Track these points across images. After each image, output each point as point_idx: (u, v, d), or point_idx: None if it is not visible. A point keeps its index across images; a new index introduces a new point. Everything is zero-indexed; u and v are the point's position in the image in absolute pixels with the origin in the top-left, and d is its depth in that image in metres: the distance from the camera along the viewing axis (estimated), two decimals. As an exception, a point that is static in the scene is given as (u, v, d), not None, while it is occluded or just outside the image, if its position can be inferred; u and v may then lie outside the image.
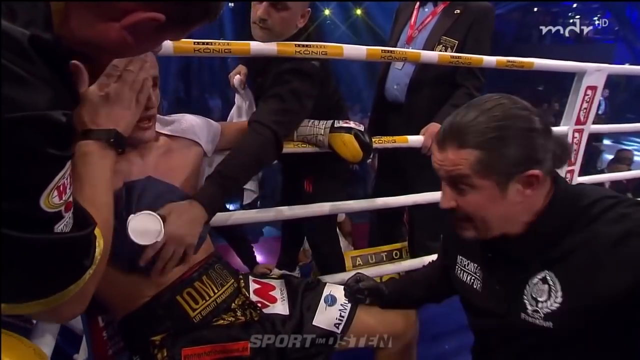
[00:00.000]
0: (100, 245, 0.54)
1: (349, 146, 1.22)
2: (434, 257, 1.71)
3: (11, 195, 0.39)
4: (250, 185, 1.51)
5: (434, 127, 1.47)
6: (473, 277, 0.84)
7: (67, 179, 0.44)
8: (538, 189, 0.70)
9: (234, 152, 1.06)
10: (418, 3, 1.69)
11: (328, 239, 1.61)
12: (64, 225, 0.45)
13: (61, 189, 0.43)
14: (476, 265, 0.83)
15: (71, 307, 0.52)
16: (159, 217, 0.81)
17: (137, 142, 0.85)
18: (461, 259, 0.87)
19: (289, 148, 1.23)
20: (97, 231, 0.54)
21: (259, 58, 1.24)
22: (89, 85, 0.66)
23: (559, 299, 0.68)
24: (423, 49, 1.58)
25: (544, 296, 0.70)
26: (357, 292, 1.01)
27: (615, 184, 3.53)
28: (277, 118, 1.12)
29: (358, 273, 1.06)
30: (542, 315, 0.70)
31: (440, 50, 1.58)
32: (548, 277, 0.70)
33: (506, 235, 0.74)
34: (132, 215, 0.79)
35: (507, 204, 0.69)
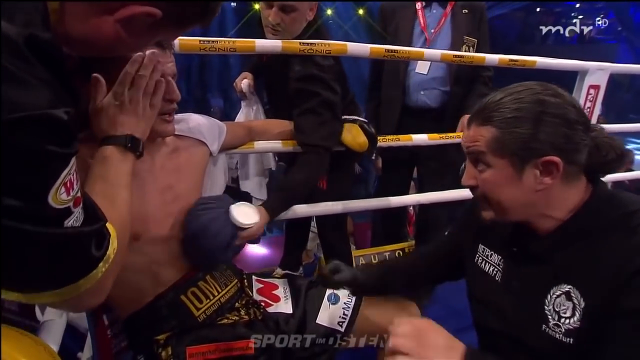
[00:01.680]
0: (114, 243, 0.55)
1: (355, 135, 1.25)
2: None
3: (20, 193, 0.40)
4: (260, 194, 1.53)
5: (465, 117, 1.52)
6: (496, 269, 0.81)
7: (73, 174, 0.45)
8: (565, 181, 0.67)
9: (295, 172, 1.19)
10: (419, 4, 1.69)
11: (341, 236, 1.64)
12: (74, 220, 0.46)
13: (68, 185, 0.44)
14: (500, 257, 0.81)
15: (87, 299, 0.54)
16: (255, 208, 1.00)
17: (160, 135, 0.88)
18: (484, 249, 0.85)
19: (294, 147, 1.24)
20: (111, 229, 0.55)
21: (265, 63, 1.26)
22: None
23: (580, 319, 0.65)
24: (450, 49, 1.60)
25: (567, 312, 0.67)
26: (334, 286, 0.99)
27: (616, 184, 3.52)
28: (321, 134, 1.19)
29: (335, 262, 0.99)
30: (564, 330, 0.67)
31: (465, 50, 1.62)
32: (572, 294, 0.67)
33: (534, 229, 0.72)
34: (234, 207, 0.95)
35: (524, 188, 0.68)
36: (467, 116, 1.55)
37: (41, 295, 0.49)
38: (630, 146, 5.44)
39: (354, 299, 1.03)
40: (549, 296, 0.69)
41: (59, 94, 0.42)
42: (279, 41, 1.15)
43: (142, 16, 0.48)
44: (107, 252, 0.53)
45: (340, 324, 0.99)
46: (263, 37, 1.24)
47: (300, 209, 1.33)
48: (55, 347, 0.75)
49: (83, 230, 0.48)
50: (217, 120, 1.11)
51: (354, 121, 1.27)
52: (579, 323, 0.65)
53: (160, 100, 0.75)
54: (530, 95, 0.68)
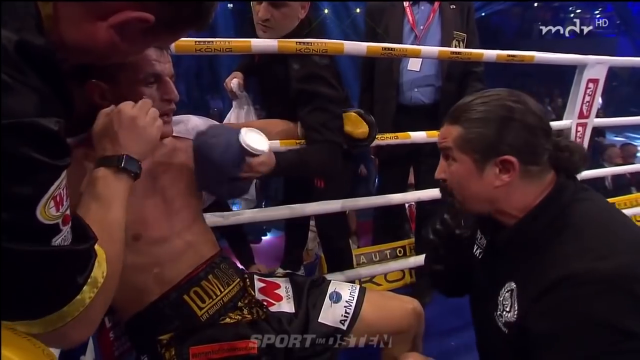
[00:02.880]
0: (102, 265, 0.52)
1: (355, 122, 1.26)
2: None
3: (7, 205, 0.39)
4: (250, 194, 1.52)
5: None
6: (480, 250, 0.88)
7: (63, 190, 0.44)
8: (523, 180, 0.72)
9: (314, 151, 1.18)
10: (406, 2, 1.70)
11: (341, 232, 1.64)
12: (61, 240, 0.44)
13: (57, 199, 0.42)
14: (484, 242, 0.88)
15: (76, 332, 0.50)
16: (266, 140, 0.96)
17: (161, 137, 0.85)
18: (479, 235, 0.90)
19: (292, 145, 1.24)
20: (100, 253, 0.53)
21: (257, 64, 1.26)
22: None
23: (516, 314, 0.71)
24: (441, 46, 1.60)
25: (508, 307, 0.74)
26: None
27: (617, 178, 3.52)
28: (332, 130, 1.20)
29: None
30: (504, 321, 0.74)
31: (456, 45, 1.62)
32: (514, 292, 0.73)
33: (501, 223, 0.77)
34: (245, 130, 0.91)
35: (485, 184, 0.74)
36: None
37: (28, 323, 0.46)
38: (634, 140, 5.44)
39: (355, 297, 1.03)
40: (503, 289, 0.76)
41: (50, 103, 0.41)
42: (275, 41, 1.15)
43: (135, 21, 0.48)
44: (93, 274, 0.50)
45: (343, 322, 0.99)
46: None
47: (301, 209, 1.33)
48: (56, 350, 0.75)
49: (71, 249, 0.46)
50: (215, 121, 1.11)
51: (351, 109, 1.29)
52: (513, 319, 0.72)
53: (156, 119, 0.73)
54: (496, 100, 0.75)
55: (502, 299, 0.75)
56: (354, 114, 1.27)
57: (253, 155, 0.92)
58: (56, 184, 0.42)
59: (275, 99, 1.29)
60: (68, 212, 0.45)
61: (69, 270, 0.47)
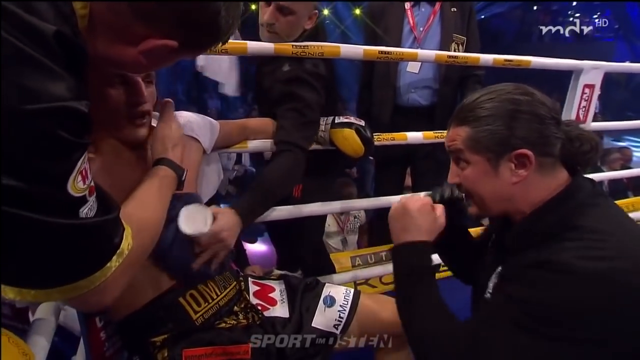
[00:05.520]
0: (128, 238, 0.56)
1: (350, 141, 1.23)
2: (437, 256, 1.72)
3: (41, 182, 0.42)
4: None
5: None
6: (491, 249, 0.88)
7: (86, 164, 0.48)
8: (539, 173, 0.71)
9: (269, 171, 1.14)
10: (407, 3, 1.70)
11: (311, 243, 1.57)
12: (88, 209, 0.48)
13: (83, 173, 0.46)
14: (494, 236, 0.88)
15: (99, 297, 0.54)
16: (209, 211, 0.88)
17: (131, 141, 0.82)
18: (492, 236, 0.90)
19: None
20: (126, 226, 0.57)
21: (256, 64, 1.24)
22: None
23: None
24: (440, 48, 1.60)
25: (490, 289, 0.76)
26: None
27: (614, 182, 3.52)
28: (302, 134, 1.17)
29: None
30: (486, 299, 0.76)
31: (454, 48, 1.62)
32: (495, 277, 0.75)
33: (511, 221, 0.76)
34: (186, 206, 0.84)
35: (501, 182, 0.72)
36: None
37: (53, 291, 0.49)
38: (626, 143, 5.45)
39: (350, 301, 1.03)
40: (494, 274, 0.77)
41: (80, 87, 0.45)
42: (271, 44, 1.15)
43: (161, 47, 0.54)
44: (122, 245, 0.54)
45: (336, 326, 0.99)
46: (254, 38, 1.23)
47: (298, 209, 1.32)
48: (44, 351, 0.74)
49: (98, 220, 0.50)
50: (209, 118, 1.11)
51: (350, 124, 1.24)
52: (488, 295, 0.75)
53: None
54: (502, 95, 0.73)
55: (491, 284, 0.77)
56: (351, 131, 1.22)
57: (192, 235, 0.85)
58: (82, 159, 0.46)
59: (265, 96, 1.28)
60: (92, 183, 0.49)
61: (97, 239, 0.51)
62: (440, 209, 0.82)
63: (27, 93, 0.39)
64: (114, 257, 0.53)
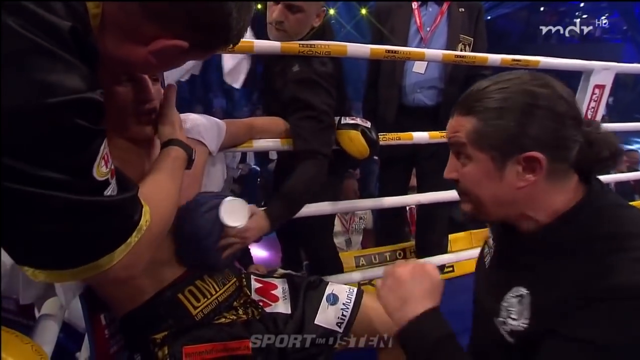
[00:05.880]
0: (146, 215, 0.57)
1: (355, 142, 1.23)
2: (440, 258, 1.72)
3: (70, 170, 0.44)
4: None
5: None
6: (490, 255, 0.80)
7: (107, 148, 0.49)
8: (549, 179, 0.63)
9: (295, 179, 1.16)
10: (415, 3, 1.69)
11: (324, 242, 1.59)
12: (111, 190, 0.50)
13: (105, 158, 0.48)
14: (494, 243, 0.80)
15: (117, 273, 0.54)
16: (248, 208, 0.92)
17: (138, 138, 0.82)
18: (490, 238, 0.83)
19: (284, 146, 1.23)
20: (144, 205, 0.58)
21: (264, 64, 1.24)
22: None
23: (525, 323, 0.64)
24: (446, 48, 1.59)
25: (514, 314, 0.66)
26: None
27: (620, 185, 3.49)
28: (322, 140, 1.19)
29: None
30: (509, 330, 0.67)
31: (461, 49, 1.61)
32: (524, 298, 0.65)
33: (516, 227, 0.69)
34: (229, 199, 0.89)
35: (505, 185, 0.64)
36: None
37: (76, 271, 0.50)
38: (634, 146, 5.41)
39: (352, 299, 1.02)
40: (508, 294, 0.68)
41: (94, 78, 0.46)
42: (278, 42, 1.15)
43: (171, 48, 0.54)
44: (140, 222, 0.55)
45: (339, 324, 0.99)
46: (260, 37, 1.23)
47: (304, 208, 1.31)
48: (50, 347, 0.75)
49: (120, 197, 0.51)
50: (216, 119, 1.11)
51: (355, 126, 1.25)
52: (521, 327, 0.64)
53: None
54: (517, 85, 0.63)
55: (506, 304, 0.67)
56: (357, 132, 1.23)
57: (229, 227, 0.89)
58: (103, 145, 0.48)
59: (274, 96, 1.28)
60: (113, 166, 0.51)
61: (120, 215, 0.52)
62: (431, 266, 0.73)
63: (46, 87, 0.41)
64: (134, 233, 0.54)
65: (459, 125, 0.66)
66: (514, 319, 0.65)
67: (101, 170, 0.47)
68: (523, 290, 0.66)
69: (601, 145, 0.65)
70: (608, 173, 3.43)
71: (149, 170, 0.72)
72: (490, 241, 0.82)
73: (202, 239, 0.87)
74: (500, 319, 0.68)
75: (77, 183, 0.45)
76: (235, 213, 0.89)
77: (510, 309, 0.66)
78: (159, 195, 0.65)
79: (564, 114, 0.62)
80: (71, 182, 0.44)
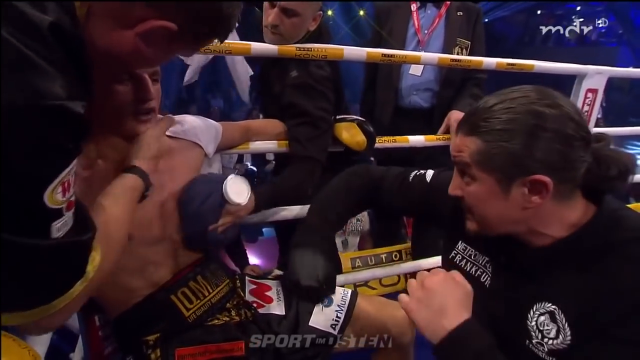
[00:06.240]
0: (95, 260, 0.52)
1: (353, 134, 1.25)
2: (436, 259, 1.73)
3: (17, 183, 0.38)
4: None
5: (455, 114, 1.53)
6: (482, 270, 0.77)
7: (72, 176, 0.44)
8: (556, 199, 0.62)
9: (285, 178, 1.19)
10: (414, 5, 1.70)
11: None
12: (62, 224, 0.44)
13: (65, 185, 0.42)
14: (486, 259, 0.76)
15: (55, 320, 0.51)
16: (248, 186, 0.97)
17: (130, 134, 0.82)
18: (465, 247, 0.80)
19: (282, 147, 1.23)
20: (96, 246, 0.53)
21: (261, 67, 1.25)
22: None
23: (568, 339, 0.62)
24: (442, 52, 1.60)
25: (552, 334, 0.64)
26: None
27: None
28: (318, 147, 1.21)
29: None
30: (547, 350, 0.64)
31: (457, 52, 1.61)
32: (557, 315, 0.63)
33: (524, 241, 0.68)
34: (232, 177, 0.94)
35: (511, 206, 0.63)
36: (452, 113, 1.54)
37: (10, 316, 0.45)
38: (632, 150, 5.43)
39: (347, 301, 1.03)
40: (531, 311, 0.66)
41: (76, 85, 0.41)
42: (275, 45, 1.15)
43: (159, 29, 0.52)
44: (87, 269, 0.50)
45: (334, 326, 0.99)
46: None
47: (300, 210, 1.32)
48: (43, 348, 0.74)
49: (71, 240, 0.46)
50: (213, 121, 1.11)
51: (352, 120, 1.27)
52: (563, 345, 0.63)
53: None
54: (524, 105, 0.61)
55: (534, 324, 0.66)
56: (353, 124, 1.26)
57: (232, 204, 0.94)
58: (68, 169, 0.42)
59: (272, 99, 1.28)
60: (73, 198, 0.45)
61: (67, 263, 0.47)
62: (459, 276, 0.69)
63: (20, 89, 0.36)
64: (78, 283, 0.49)
65: (463, 145, 0.66)
66: (552, 339, 0.63)
67: (55, 196, 0.41)
68: (550, 306, 0.64)
69: (610, 162, 0.64)
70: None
71: (103, 195, 0.68)
72: (471, 252, 0.79)
73: (196, 204, 0.90)
74: (535, 340, 0.66)
75: (23, 207, 0.39)
76: (240, 191, 0.94)
77: (543, 328, 0.64)
78: (111, 232, 0.61)
79: (571, 135, 0.60)
80: (15, 204, 0.38)
